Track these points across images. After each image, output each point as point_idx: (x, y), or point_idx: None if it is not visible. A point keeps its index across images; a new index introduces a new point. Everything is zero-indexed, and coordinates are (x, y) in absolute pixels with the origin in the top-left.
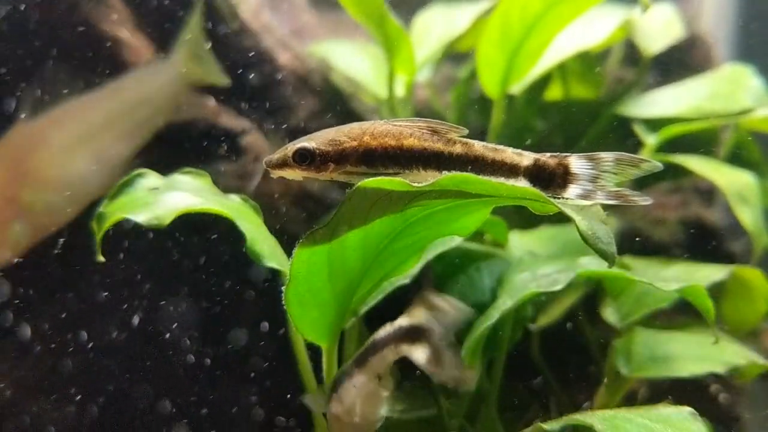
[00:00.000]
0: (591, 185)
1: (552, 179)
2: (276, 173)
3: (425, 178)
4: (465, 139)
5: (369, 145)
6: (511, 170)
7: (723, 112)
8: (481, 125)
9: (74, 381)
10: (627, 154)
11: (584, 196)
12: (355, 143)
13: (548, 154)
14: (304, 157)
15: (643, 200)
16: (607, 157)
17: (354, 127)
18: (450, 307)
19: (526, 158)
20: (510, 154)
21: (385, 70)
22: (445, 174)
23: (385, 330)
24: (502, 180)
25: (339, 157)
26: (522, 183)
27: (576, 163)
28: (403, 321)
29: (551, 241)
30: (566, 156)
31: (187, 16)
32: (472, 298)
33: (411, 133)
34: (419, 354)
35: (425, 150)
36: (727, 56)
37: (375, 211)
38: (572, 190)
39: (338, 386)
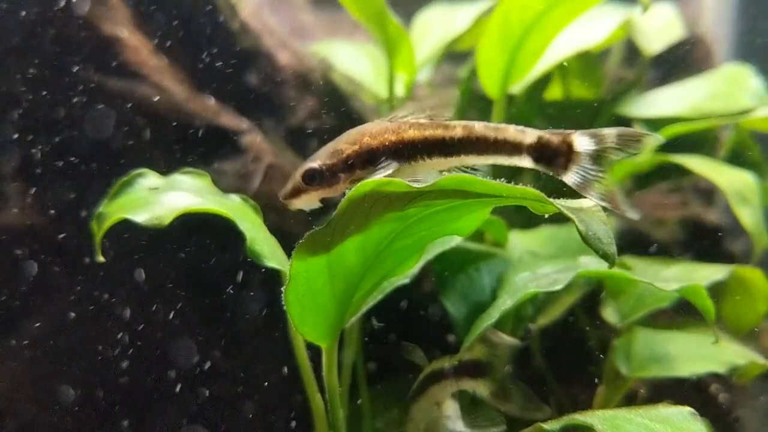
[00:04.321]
0: (592, 172)
1: (555, 157)
2: (294, 204)
3: (432, 167)
4: (465, 122)
5: (370, 146)
6: (514, 149)
7: (723, 112)
8: None
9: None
10: (628, 128)
11: (581, 187)
12: (356, 147)
13: (552, 131)
14: (312, 177)
15: (632, 213)
16: (609, 132)
17: (352, 133)
18: (500, 339)
19: (529, 135)
20: (513, 132)
21: (385, 69)
22: (446, 174)
23: (444, 362)
24: (505, 158)
25: (345, 165)
26: (526, 161)
27: (580, 139)
28: (464, 355)
29: (551, 241)
30: (570, 133)
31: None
32: (472, 297)
33: (410, 125)
34: (482, 389)
35: (426, 139)
36: (727, 56)
37: (374, 212)
38: (572, 177)
39: (410, 410)
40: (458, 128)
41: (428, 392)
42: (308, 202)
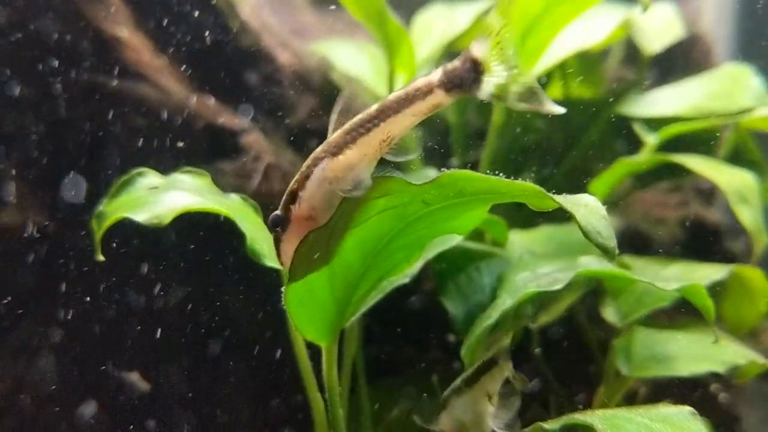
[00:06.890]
0: (503, 74)
1: (463, 77)
2: (285, 253)
3: (361, 153)
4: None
5: (306, 164)
6: (426, 91)
7: (723, 112)
8: (482, 125)
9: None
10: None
11: (498, 95)
12: (297, 174)
13: None
14: (275, 222)
15: (555, 108)
16: (494, 23)
17: None
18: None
19: (436, 73)
20: (421, 79)
21: (385, 69)
22: (445, 171)
23: (492, 351)
24: (421, 104)
25: (293, 194)
26: (440, 96)
27: (476, 47)
28: (505, 342)
29: (551, 240)
30: (467, 49)
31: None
32: (472, 297)
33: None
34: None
35: (347, 129)
36: (727, 56)
37: (373, 209)
38: (487, 88)
39: (448, 403)
40: (373, 105)
41: (479, 383)
42: (294, 240)
